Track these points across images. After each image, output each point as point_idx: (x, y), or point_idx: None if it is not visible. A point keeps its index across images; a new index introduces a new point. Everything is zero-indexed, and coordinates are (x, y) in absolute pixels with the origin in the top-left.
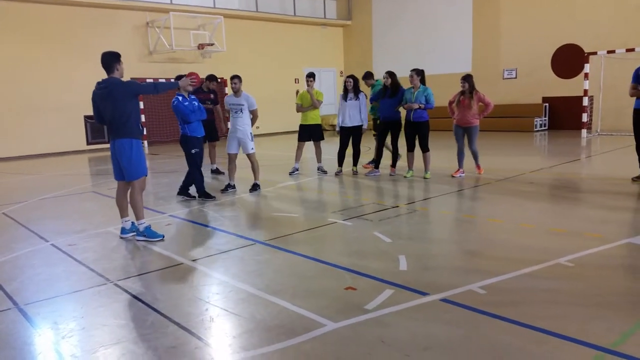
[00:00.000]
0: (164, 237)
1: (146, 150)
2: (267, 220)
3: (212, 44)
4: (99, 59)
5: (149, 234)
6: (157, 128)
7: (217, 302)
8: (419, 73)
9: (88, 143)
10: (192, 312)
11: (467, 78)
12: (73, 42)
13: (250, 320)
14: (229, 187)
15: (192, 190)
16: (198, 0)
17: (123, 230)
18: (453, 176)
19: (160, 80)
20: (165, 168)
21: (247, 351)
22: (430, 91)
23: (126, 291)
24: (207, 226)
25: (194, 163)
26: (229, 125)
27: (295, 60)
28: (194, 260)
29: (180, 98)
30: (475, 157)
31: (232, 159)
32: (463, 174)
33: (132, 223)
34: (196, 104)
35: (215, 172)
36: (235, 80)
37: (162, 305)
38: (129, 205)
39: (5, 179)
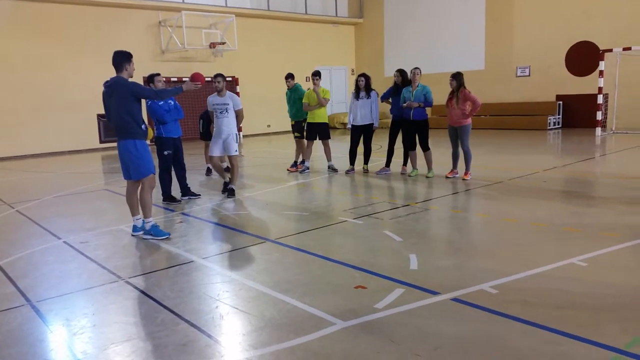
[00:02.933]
0: (169, 235)
1: None
2: (277, 219)
3: (223, 43)
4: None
5: (155, 232)
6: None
7: (227, 300)
8: (420, 72)
9: (101, 141)
10: (202, 309)
11: (456, 76)
12: (86, 41)
13: (259, 318)
14: (227, 185)
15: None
16: None
17: (134, 228)
18: (447, 177)
19: (171, 79)
20: None
21: (256, 349)
22: (428, 89)
23: (137, 288)
24: (218, 224)
25: (164, 165)
26: (213, 126)
27: (306, 59)
28: (204, 258)
29: None
30: (467, 159)
31: (215, 162)
32: (457, 175)
33: (144, 221)
34: (172, 103)
35: (208, 171)
36: (219, 79)
37: (173, 303)
38: (139, 203)
39: (19, 176)
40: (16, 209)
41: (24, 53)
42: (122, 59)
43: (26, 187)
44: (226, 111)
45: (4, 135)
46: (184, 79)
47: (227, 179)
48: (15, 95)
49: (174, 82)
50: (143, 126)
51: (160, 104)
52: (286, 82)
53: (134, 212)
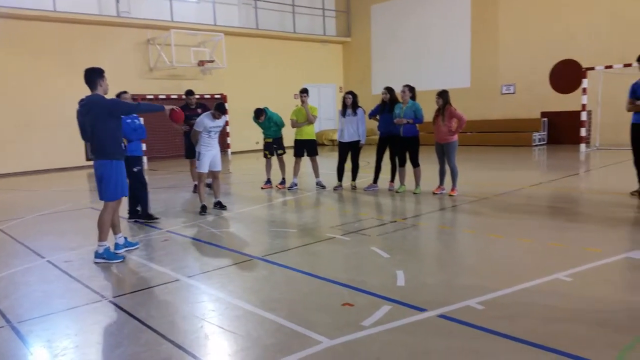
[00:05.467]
0: (124, 258)
1: (145, 166)
2: (264, 236)
3: (212, 61)
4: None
5: (109, 256)
6: (157, 144)
7: (212, 319)
8: (412, 89)
9: (87, 159)
10: (187, 329)
11: (441, 94)
12: (74, 58)
13: (246, 337)
14: (206, 208)
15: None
16: (199, 17)
17: (117, 246)
18: (434, 193)
19: (159, 97)
20: (164, 184)
21: None
22: (418, 106)
23: (121, 308)
24: (204, 242)
25: (138, 181)
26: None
27: (295, 77)
28: (190, 277)
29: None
30: (453, 175)
31: (204, 178)
32: (444, 191)
33: (125, 238)
34: (137, 122)
35: (195, 189)
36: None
37: (157, 323)
38: (97, 222)
39: (3, 194)
40: None
41: (9, 70)
42: (94, 76)
43: (10, 205)
44: (219, 132)
45: None
46: (171, 96)
47: (204, 202)
48: (1, 112)
49: (161, 99)
50: (123, 145)
51: (128, 121)
52: (258, 120)
53: (115, 231)
